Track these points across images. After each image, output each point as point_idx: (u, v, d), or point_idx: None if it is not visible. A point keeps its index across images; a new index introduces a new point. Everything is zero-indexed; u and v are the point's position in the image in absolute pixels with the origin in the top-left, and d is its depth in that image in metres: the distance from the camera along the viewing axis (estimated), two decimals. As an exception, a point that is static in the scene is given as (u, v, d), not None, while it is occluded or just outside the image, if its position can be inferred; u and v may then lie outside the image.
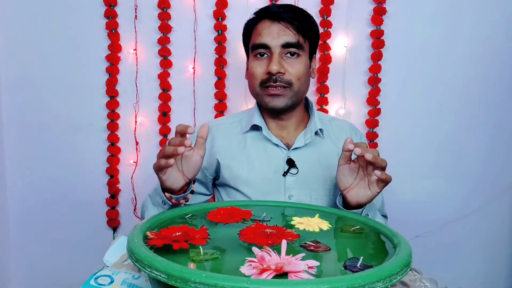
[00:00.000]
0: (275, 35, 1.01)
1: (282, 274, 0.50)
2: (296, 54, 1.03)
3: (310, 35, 1.06)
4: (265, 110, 1.09)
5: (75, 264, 1.48)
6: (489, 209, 1.57)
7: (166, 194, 0.88)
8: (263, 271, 0.51)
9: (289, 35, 1.01)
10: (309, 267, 0.52)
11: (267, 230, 0.65)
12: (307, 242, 0.64)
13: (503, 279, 1.63)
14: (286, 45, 1.01)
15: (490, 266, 1.62)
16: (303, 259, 0.54)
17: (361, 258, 0.57)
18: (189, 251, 0.59)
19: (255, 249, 0.55)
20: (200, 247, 0.60)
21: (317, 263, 0.53)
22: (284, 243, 0.56)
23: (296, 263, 0.51)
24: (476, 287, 1.62)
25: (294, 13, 1.03)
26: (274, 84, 1.01)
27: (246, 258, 0.54)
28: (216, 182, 1.14)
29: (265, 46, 1.02)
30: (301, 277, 0.49)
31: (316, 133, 1.08)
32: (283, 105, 1.04)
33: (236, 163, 1.07)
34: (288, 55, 1.02)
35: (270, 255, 0.54)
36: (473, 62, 1.50)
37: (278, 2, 1.42)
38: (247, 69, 1.11)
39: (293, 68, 1.02)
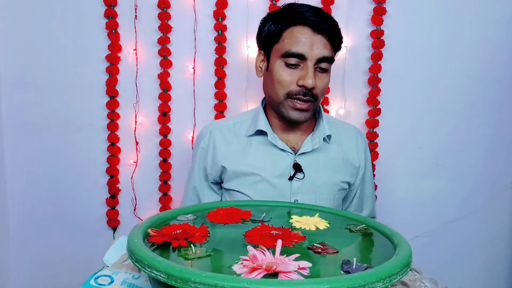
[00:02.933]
0: (314, 47, 0.96)
1: (273, 274, 0.50)
2: (326, 69, 1.00)
3: (339, 48, 1.04)
4: (277, 115, 1.06)
5: (75, 264, 1.48)
6: (490, 209, 1.57)
7: None
8: (253, 269, 0.51)
9: (327, 50, 0.98)
10: (301, 268, 0.52)
11: (273, 231, 0.65)
12: (315, 244, 0.64)
13: (503, 279, 1.63)
14: (322, 59, 0.98)
15: (490, 266, 1.62)
16: (297, 259, 0.54)
17: (355, 259, 0.57)
18: (181, 249, 0.60)
19: (249, 248, 0.56)
20: (192, 245, 0.60)
21: (310, 264, 0.53)
22: (279, 243, 0.56)
23: (287, 263, 0.51)
24: (476, 287, 1.62)
25: (331, 25, 0.99)
26: (304, 98, 0.98)
27: (241, 256, 0.55)
28: (222, 185, 1.13)
29: (301, 57, 0.97)
30: (291, 277, 0.49)
31: (323, 138, 1.07)
32: (306, 119, 1.03)
33: (241, 167, 1.05)
34: (319, 69, 0.99)
35: (264, 255, 0.54)
36: (473, 62, 1.50)
37: (279, 2, 1.42)
38: (261, 68, 1.06)
39: (322, 83, 1.00)
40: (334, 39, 0.99)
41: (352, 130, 1.16)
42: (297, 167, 1.03)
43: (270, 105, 1.07)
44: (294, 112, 1.00)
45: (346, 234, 0.73)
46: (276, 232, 0.65)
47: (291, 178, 1.03)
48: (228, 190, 1.09)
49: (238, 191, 1.06)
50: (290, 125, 1.06)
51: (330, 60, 0.99)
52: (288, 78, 0.98)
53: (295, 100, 0.99)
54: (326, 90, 1.04)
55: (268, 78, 1.03)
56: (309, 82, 0.96)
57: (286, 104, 1.00)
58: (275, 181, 1.04)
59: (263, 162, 1.05)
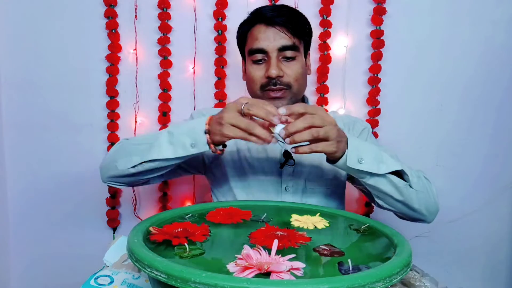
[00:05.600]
0: (271, 39, 1.03)
1: (266, 274, 0.50)
2: (293, 57, 1.04)
3: (304, 34, 1.08)
4: None
5: (75, 264, 1.48)
6: (489, 209, 1.57)
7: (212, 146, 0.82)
8: (246, 268, 0.51)
9: (285, 38, 1.03)
10: (294, 269, 0.52)
11: (277, 232, 0.65)
12: (321, 246, 0.64)
13: (503, 279, 1.63)
14: (282, 49, 1.03)
15: (490, 266, 1.62)
16: (293, 260, 0.54)
17: (349, 260, 0.57)
18: (175, 247, 0.60)
19: (245, 247, 0.56)
20: (186, 243, 0.60)
21: (303, 265, 0.53)
22: (275, 242, 0.56)
23: (280, 263, 0.52)
24: (476, 287, 1.62)
25: (288, 16, 1.04)
26: (275, 87, 1.03)
27: (236, 255, 0.55)
28: (213, 178, 1.14)
29: (262, 51, 1.04)
30: (283, 277, 0.49)
31: None
32: None
33: (234, 155, 1.10)
34: (285, 58, 1.04)
35: (260, 254, 0.54)
36: (473, 62, 1.50)
37: (278, 3, 1.42)
38: (244, 71, 1.13)
39: (291, 70, 1.04)
40: (293, 27, 1.03)
41: (351, 118, 1.19)
42: (287, 155, 1.06)
43: None
44: (270, 101, 1.03)
45: (349, 234, 0.73)
46: (281, 233, 0.64)
47: (282, 166, 1.05)
48: (219, 182, 1.11)
49: (229, 179, 1.09)
50: None
51: (292, 47, 1.03)
52: (257, 73, 1.05)
53: (268, 91, 1.05)
54: (301, 76, 1.06)
55: (246, 78, 1.11)
56: (272, 72, 1.01)
57: (263, 97, 1.05)
58: (266, 169, 1.08)
59: (254, 151, 1.09)
